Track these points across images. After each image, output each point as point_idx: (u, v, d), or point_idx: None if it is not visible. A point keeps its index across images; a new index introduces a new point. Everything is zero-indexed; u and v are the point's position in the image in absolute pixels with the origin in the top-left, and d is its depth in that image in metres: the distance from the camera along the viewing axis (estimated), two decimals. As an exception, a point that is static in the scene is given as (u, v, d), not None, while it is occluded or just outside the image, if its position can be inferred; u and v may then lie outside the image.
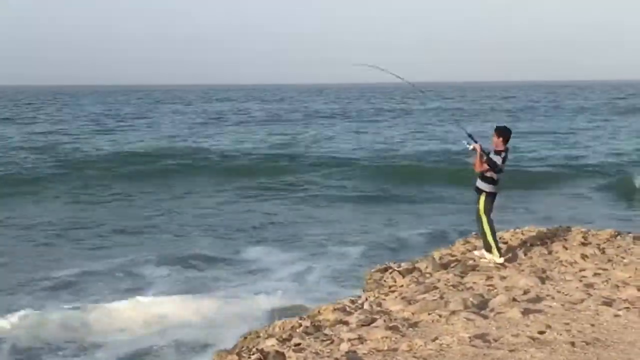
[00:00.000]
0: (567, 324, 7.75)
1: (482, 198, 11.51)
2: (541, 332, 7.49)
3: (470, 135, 11.47)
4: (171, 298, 14.77)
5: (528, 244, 12.51)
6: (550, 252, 12.07)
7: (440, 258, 12.15)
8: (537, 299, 9.17)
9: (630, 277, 10.26)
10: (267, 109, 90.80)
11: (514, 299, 9.04)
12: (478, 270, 11.20)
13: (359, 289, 12.04)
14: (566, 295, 9.46)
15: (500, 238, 13.22)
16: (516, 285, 10.10)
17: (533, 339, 7.29)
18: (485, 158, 11.22)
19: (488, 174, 11.37)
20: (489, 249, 11.61)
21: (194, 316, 13.88)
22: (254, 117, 76.00)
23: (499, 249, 11.60)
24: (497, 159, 11.21)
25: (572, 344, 7.01)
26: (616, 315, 7.98)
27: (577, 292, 9.50)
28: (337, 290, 14.63)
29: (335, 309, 9.38)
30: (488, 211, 11.54)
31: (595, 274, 10.53)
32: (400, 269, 11.49)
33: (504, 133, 11.33)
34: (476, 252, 12.02)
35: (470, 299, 9.12)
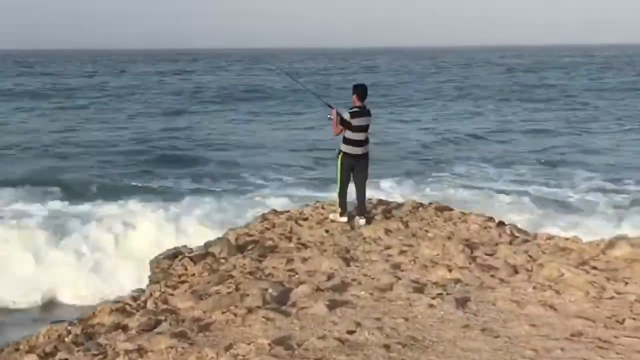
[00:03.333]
0: (379, 319, 6.79)
1: (339, 158, 11.31)
2: (350, 332, 6.47)
3: (328, 105, 11.46)
4: None
5: (329, 220, 11.65)
6: (352, 228, 11.28)
7: (237, 239, 11.00)
8: (343, 287, 8.23)
9: (437, 254, 9.63)
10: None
11: (318, 288, 8.02)
12: (277, 252, 10.18)
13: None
14: (373, 279, 8.63)
15: (300, 213, 12.34)
16: (319, 269, 9.17)
17: (342, 341, 6.26)
18: (339, 119, 11.09)
19: (346, 135, 11.14)
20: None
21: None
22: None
23: (344, 208, 11.52)
24: (347, 116, 11.02)
25: (387, 347, 6.03)
26: (431, 305, 7.14)
27: (384, 275, 8.69)
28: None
29: (113, 310, 7.94)
30: (344, 172, 11.32)
31: (402, 252, 9.83)
32: (192, 254, 10.17)
33: (356, 89, 11.20)
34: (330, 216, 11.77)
35: (270, 290, 8.01)
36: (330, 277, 8.76)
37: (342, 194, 11.50)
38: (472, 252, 9.70)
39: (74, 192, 20.36)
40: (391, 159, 26.03)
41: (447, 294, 7.62)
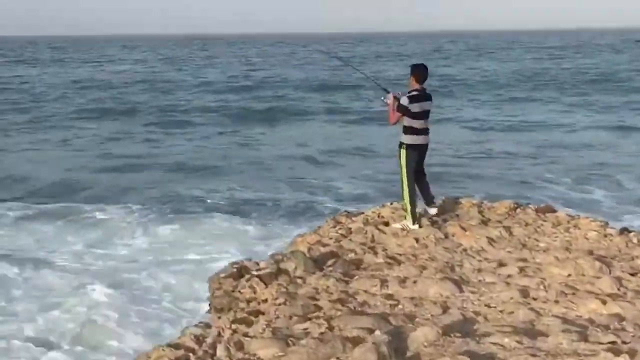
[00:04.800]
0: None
1: (403, 152, 9.71)
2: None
3: (384, 89, 10.06)
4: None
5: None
6: (447, 236, 9.40)
7: (310, 250, 9.14)
8: (468, 326, 6.34)
9: (569, 275, 7.70)
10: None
11: (445, 332, 6.12)
12: (364, 269, 8.32)
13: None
14: (502, 312, 6.75)
15: (379, 216, 10.47)
16: (425, 296, 7.30)
17: None
18: (396, 105, 9.62)
19: (406, 123, 9.65)
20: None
21: None
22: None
23: (414, 214, 9.68)
24: (405, 101, 9.54)
25: None
26: (616, 366, 5.22)
27: (516, 307, 6.79)
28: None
29: (173, 360, 6.10)
30: (411, 169, 9.73)
31: (521, 270, 7.93)
32: (260, 273, 8.28)
33: (414, 70, 9.72)
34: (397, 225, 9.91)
35: (378, 332, 6.12)
36: (444, 308, 6.88)
37: (412, 197, 9.72)
38: (610, 272, 7.77)
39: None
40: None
41: (623, 342, 5.68)
